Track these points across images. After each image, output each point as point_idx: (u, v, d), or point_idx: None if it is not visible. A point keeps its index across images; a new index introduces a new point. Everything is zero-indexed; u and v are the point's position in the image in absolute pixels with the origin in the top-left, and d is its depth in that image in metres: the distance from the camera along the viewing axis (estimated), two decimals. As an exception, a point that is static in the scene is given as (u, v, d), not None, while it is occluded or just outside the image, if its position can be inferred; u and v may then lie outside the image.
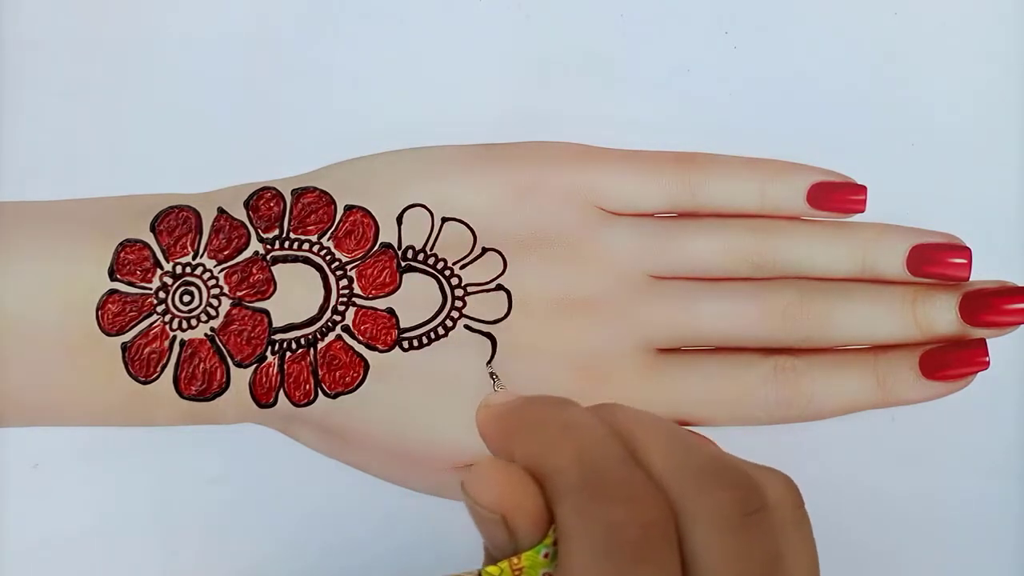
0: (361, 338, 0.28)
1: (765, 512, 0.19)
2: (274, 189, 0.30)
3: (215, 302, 0.28)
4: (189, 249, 0.29)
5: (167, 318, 0.28)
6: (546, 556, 0.18)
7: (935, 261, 0.29)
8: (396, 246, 0.29)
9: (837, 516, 0.32)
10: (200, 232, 0.29)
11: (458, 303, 0.29)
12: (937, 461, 0.33)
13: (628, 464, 0.19)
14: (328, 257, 0.29)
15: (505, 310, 0.29)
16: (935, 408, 0.29)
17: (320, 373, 0.28)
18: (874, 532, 0.33)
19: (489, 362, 0.28)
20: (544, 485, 0.19)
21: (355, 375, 0.28)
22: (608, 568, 0.17)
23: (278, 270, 0.29)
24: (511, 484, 0.19)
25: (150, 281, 0.28)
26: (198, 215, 0.29)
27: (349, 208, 0.29)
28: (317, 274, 0.29)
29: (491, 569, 0.18)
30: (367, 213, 0.29)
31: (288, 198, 0.30)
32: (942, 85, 0.36)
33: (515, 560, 0.18)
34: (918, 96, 0.36)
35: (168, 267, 0.29)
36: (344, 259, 0.29)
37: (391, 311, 0.29)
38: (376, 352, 0.28)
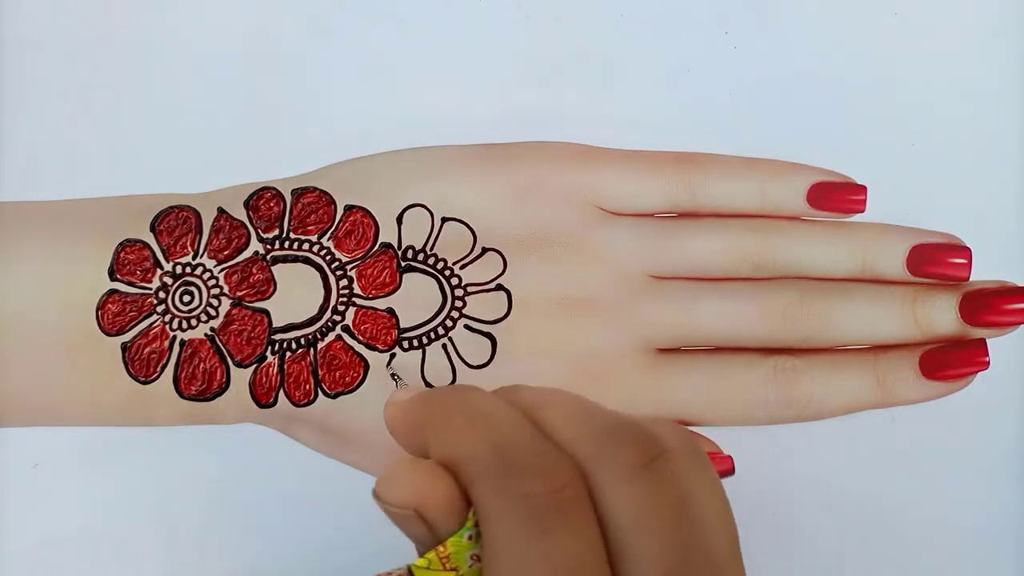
0: (361, 338, 0.28)
1: (664, 459, 0.20)
2: (274, 189, 0.30)
3: (215, 302, 0.28)
4: (189, 249, 0.29)
5: (167, 318, 0.28)
6: (470, 538, 0.19)
7: (935, 261, 0.29)
8: (396, 246, 0.29)
9: (837, 516, 0.32)
10: (200, 232, 0.29)
11: (458, 303, 0.29)
12: (937, 461, 0.33)
13: (536, 439, 0.20)
14: (328, 257, 0.29)
15: (505, 310, 0.29)
16: (935, 408, 0.29)
17: (320, 373, 0.28)
18: (874, 532, 0.33)
19: (388, 363, 0.28)
20: (459, 472, 0.19)
21: (355, 375, 0.28)
22: (529, 537, 0.18)
23: (278, 270, 0.29)
24: (420, 479, 0.19)
25: (150, 281, 0.28)
26: (198, 215, 0.29)
27: (349, 208, 0.29)
28: (317, 274, 0.29)
29: (420, 562, 0.19)
30: (367, 213, 0.29)
31: (288, 198, 0.30)
32: (942, 85, 0.36)
33: (440, 548, 0.19)
34: (918, 96, 0.36)
35: (168, 267, 0.29)
36: (344, 259, 0.29)
37: (391, 311, 0.29)
38: (376, 352, 0.28)
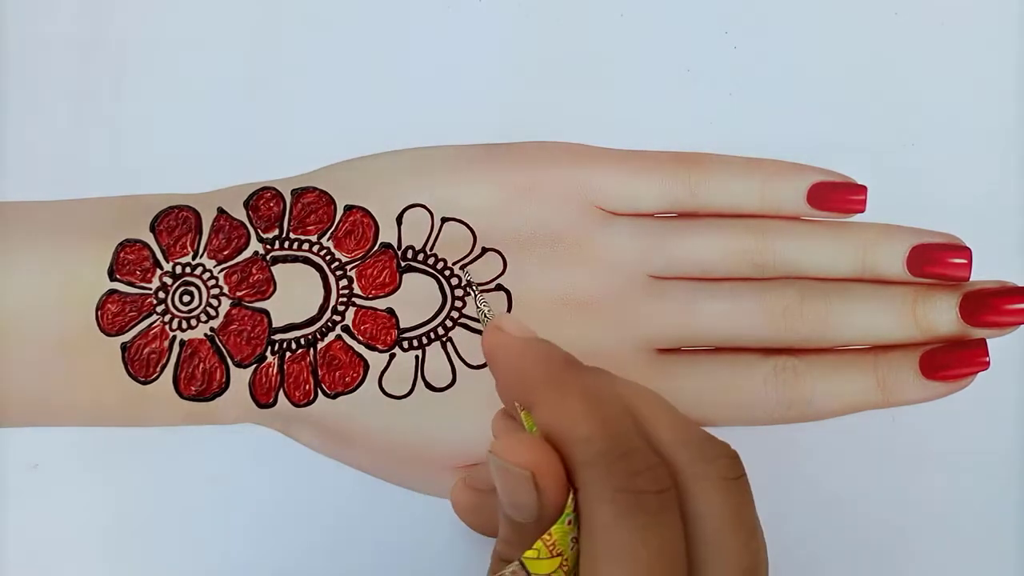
0: (361, 338, 0.28)
1: (746, 479, 0.22)
2: (274, 189, 0.30)
3: (215, 302, 0.28)
4: (189, 249, 0.29)
5: (167, 318, 0.28)
6: (570, 523, 0.20)
7: (935, 261, 0.29)
8: (396, 246, 0.29)
9: (837, 516, 0.32)
10: (200, 232, 0.29)
11: (458, 303, 0.29)
12: (937, 461, 0.33)
13: (640, 436, 0.21)
14: (328, 257, 0.29)
15: (505, 310, 0.29)
16: (935, 408, 0.29)
17: (320, 373, 0.28)
18: (874, 532, 0.33)
19: (464, 268, 0.28)
20: (568, 452, 0.21)
21: (355, 375, 0.28)
22: (629, 526, 0.19)
23: (278, 270, 0.29)
24: (538, 448, 0.21)
25: (150, 281, 0.28)
26: (198, 215, 0.29)
27: (349, 208, 0.29)
28: (317, 274, 0.29)
29: (529, 553, 0.20)
30: (367, 213, 0.29)
31: (288, 198, 0.30)
32: (942, 85, 0.36)
33: (546, 537, 0.20)
34: (918, 96, 0.36)
35: (168, 267, 0.28)
36: (344, 259, 0.29)
37: (391, 311, 0.29)
38: (376, 352, 0.28)
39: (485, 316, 0.26)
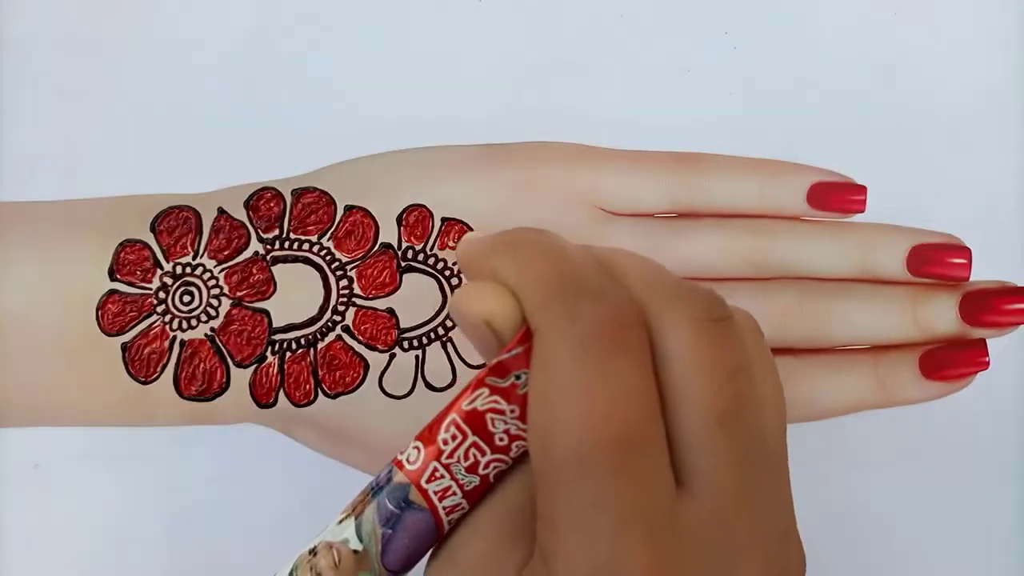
0: (361, 338, 0.28)
1: (731, 322, 0.20)
2: (274, 189, 0.30)
3: (215, 302, 0.28)
4: (189, 249, 0.29)
5: (167, 318, 0.28)
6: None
7: (935, 261, 0.29)
8: (396, 246, 0.29)
9: (837, 516, 0.32)
10: (200, 232, 0.29)
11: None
12: (937, 461, 0.33)
13: (605, 275, 0.20)
14: (328, 257, 0.29)
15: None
16: (935, 408, 0.29)
17: (320, 373, 0.28)
18: (874, 532, 0.33)
19: None
20: (524, 297, 0.20)
21: (355, 375, 0.28)
22: (586, 359, 0.18)
23: (278, 270, 0.29)
24: (490, 294, 0.20)
25: (150, 281, 0.28)
26: (198, 215, 0.29)
27: (349, 208, 0.29)
28: (317, 274, 0.29)
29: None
30: (367, 213, 0.29)
31: (288, 198, 0.30)
32: (942, 85, 0.36)
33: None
34: (918, 96, 0.36)
35: (168, 267, 0.28)
36: (344, 259, 0.29)
37: (391, 311, 0.29)
38: (376, 352, 0.28)
39: None
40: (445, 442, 0.20)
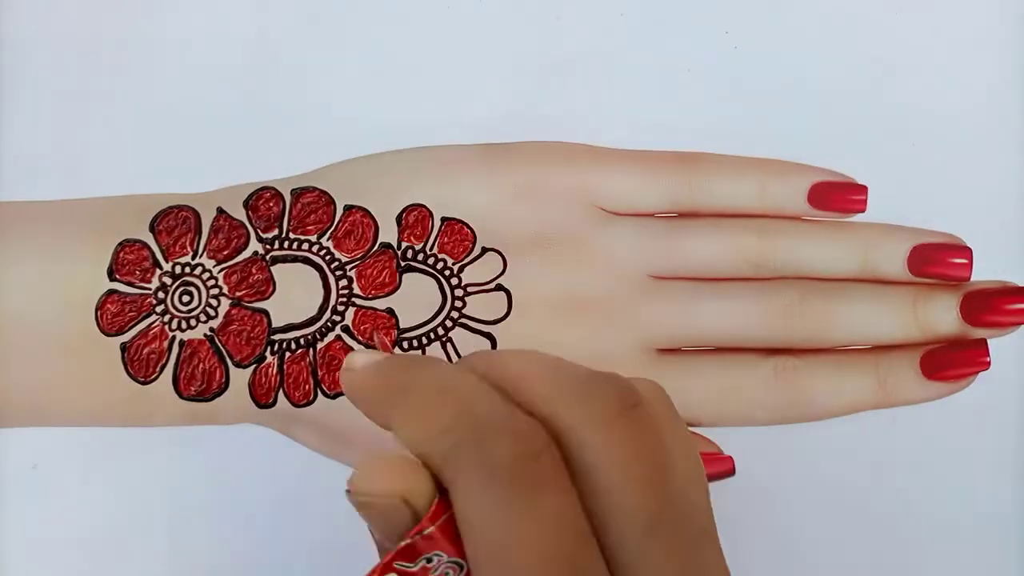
0: (361, 338, 0.28)
1: (641, 408, 0.20)
2: (273, 189, 0.30)
3: (214, 302, 0.28)
4: (188, 249, 0.29)
5: (166, 318, 0.28)
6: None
7: (936, 261, 0.29)
8: (396, 246, 0.29)
9: (837, 516, 0.32)
10: (199, 232, 0.29)
11: (458, 303, 0.29)
12: (937, 461, 0.33)
13: (506, 406, 0.19)
14: (328, 257, 0.29)
15: (505, 310, 0.29)
16: (935, 408, 0.29)
17: (320, 373, 0.28)
18: (874, 532, 0.33)
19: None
20: (428, 456, 0.19)
21: (355, 375, 0.28)
22: (509, 508, 0.18)
23: (277, 270, 0.29)
24: (404, 468, 0.19)
25: (149, 281, 0.28)
26: (197, 215, 0.29)
27: (349, 208, 0.29)
28: (316, 274, 0.29)
29: None
30: (367, 213, 0.29)
31: (287, 198, 0.29)
32: (942, 85, 0.36)
33: None
34: (918, 96, 0.36)
35: (167, 267, 0.28)
36: (344, 259, 0.29)
37: (391, 311, 0.29)
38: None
39: None
40: None
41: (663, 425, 0.20)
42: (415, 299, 0.29)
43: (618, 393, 0.20)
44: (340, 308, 0.29)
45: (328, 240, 0.29)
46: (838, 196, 0.30)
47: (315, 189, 0.30)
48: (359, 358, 0.22)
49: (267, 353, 0.28)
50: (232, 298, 0.28)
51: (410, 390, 0.20)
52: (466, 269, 0.29)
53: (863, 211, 0.30)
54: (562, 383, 0.20)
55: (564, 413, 0.19)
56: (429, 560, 0.18)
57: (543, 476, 0.18)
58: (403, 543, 0.18)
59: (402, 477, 0.19)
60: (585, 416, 0.19)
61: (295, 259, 0.29)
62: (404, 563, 0.18)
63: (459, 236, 0.29)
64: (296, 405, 0.28)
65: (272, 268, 0.29)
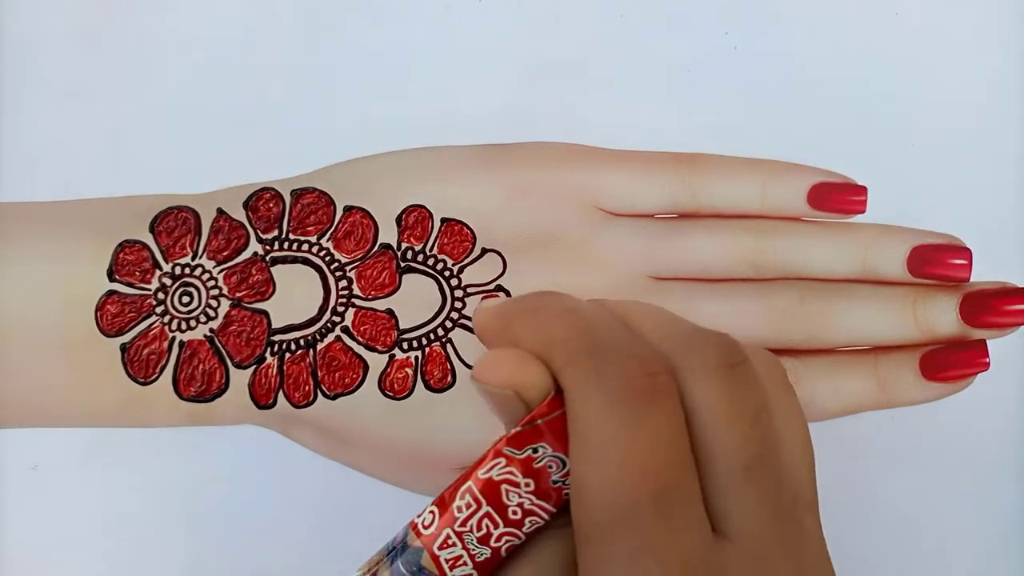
0: (360, 339, 0.28)
1: (747, 365, 0.21)
2: (273, 190, 0.30)
3: (214, 303, 0.28)
4: (188, 250, 0.29)
5: (166, 319, 0.28)
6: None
7: (935, 262, 0.29)
8: (395, 247, 0.29)
9: (836, 516, 0.32)
10: (199, 233, 0.29)
11: (458, 304, 0.29)
12: (937, 461, 0.33)
13: (628, 331, 0.21)
14: (327, 258, 0.29)
15: (504, 311, 0.29)
16: (935, 408, 0.29)
17: (319, 374, 0.28)
18: (874, 532, 0.33)
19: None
20: (551, 358, 0.20)
21: (354, 376, 0.28)
22: (619, 414, 0.18)
23: (277, 271, 0.29)
24: (516, 361, 0.20)
25: (149, 282, 0.28)
26: (197, 216, 0.29)
27: (348, 209, 0.29)
28: (316, 275, 0.29)
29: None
30: (366, 214, 0.29)
31: (287, 199, 0.29)
32: (942, 85, 0.36)
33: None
34: (918, 96, 0.36)
35: (167, 268, 0.28)
36: (343, 260, 0.29)
37: (391, 312, 0.29)
38: (376, 353, 0.28)
39: None
40: (459, 509, 0.20)
41: (770, 384, 0.21)
42: (415, 300, 0.29)
43: (726, 348, 0.20)
44: (340, 309, 0.29)
45: (328, 241, 0.29)
46: (838, 197, 0.30)
47: (315, 190, 0.30)
48: (489, 301, 0.23)
49: (267, 354, 0.28)
50: (232, 299, 0.28)
51: (539, 309, 0.21)
52: (466, 270, 0.29)
53: (863, 212, 0.30)
54: (676, 331, 0.21)
55: (677, 356, 0.20)
56: (535, 451, 0.19)
57: (656, 393, 0.19)
58: (514, 430, 0.19)
59: (519, 371, 0.20)
60: (696, 361, 0.20)
61: (295, 260, 0.29)
62: (512, 449, 0.19)
63: (459, 237, 0.29)
64: (296, 406, 0.28)
65: (272, 269, 0.29)
